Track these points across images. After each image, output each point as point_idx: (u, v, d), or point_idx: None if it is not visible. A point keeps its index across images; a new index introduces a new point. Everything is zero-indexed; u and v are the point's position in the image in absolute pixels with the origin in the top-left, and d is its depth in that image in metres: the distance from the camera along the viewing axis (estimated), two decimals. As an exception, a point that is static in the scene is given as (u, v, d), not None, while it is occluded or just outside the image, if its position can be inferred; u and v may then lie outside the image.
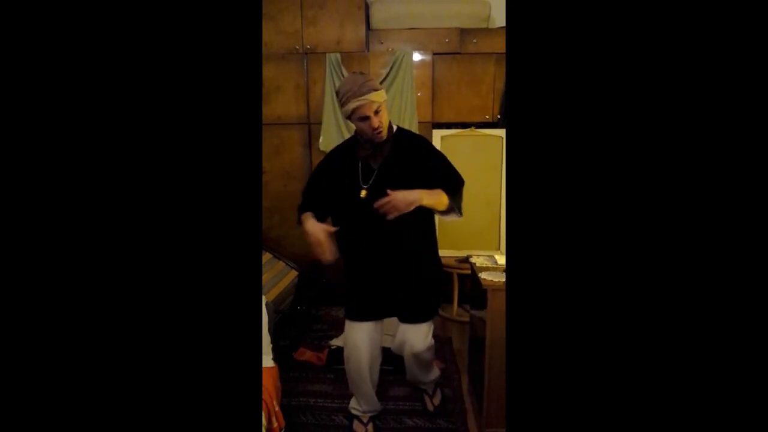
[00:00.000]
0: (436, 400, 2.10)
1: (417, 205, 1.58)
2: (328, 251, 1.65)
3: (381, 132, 1.62)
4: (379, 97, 1.59)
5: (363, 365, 1.83)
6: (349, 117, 1.64)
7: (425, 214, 1.71)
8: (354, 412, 1.99)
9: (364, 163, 1.71)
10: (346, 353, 1.87)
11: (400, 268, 1.73)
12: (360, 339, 1.80)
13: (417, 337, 1.80)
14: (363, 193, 1.67)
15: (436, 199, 1.65)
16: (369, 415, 1.99)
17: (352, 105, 1.57)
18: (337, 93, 1.63)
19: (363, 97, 1.56)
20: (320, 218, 1.73)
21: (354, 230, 1.72)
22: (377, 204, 1.54)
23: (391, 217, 1.54)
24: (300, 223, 1.76)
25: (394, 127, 1.75)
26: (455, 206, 1.72)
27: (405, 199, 1.55)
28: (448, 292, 3.13)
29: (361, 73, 1.63)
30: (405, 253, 1.73)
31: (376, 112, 1.59)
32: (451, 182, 1.72)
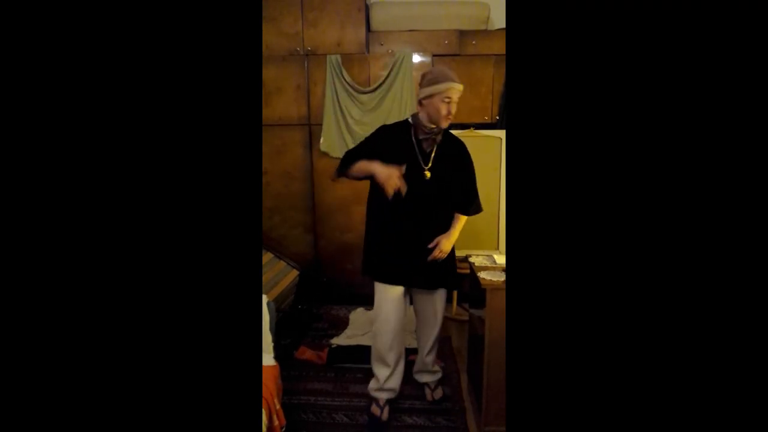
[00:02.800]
0: (437, 394, 2.20)
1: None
2: (401, 183, 1.76)
3: (450, 117, 1.81)
4: (461, 90, 1.80)
5: (395, 328, 1.97)
6: (429, 96, 1.79)
7: (450, 210, 1.97)
8: (372, 393, 2.07)
9: (419, 147, 1.87)
10: (379, 322, 1.99)
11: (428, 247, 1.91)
12: (394, 305, 1.95)
13: (436, 302, 2.01)
14: (427, 174, 1.86)
15: (459, 229, 1.95)
16: (386, 396, 2.05)
17: (444, 86, 1.76)
18: (426, 75, 1.82)
19: (455, 83, 1.77)
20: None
21: (413, 205, 1.85)
22: (432, 257, 1.88)
23: (440, 258, 1.89)
24: (341, 176, 1.91)
25: None
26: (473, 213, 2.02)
27: (450, 242, 1.90)
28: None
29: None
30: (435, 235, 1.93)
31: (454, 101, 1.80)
32: (470, 201, 1.99)
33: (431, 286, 1.98)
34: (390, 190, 1.73)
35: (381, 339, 1.98)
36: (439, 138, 1.88)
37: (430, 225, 1.90)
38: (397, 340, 1.99)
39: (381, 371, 2.03)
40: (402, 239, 1.90)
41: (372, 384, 2.08)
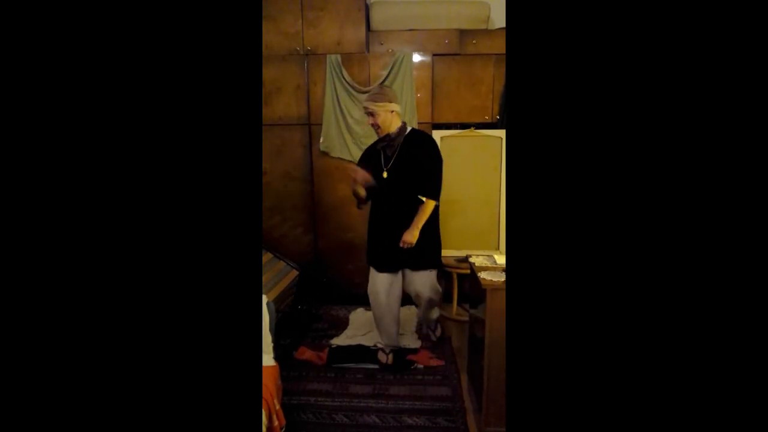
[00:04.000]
0: (438, 332, 2.73)
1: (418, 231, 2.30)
2: (362, 177, 2.29)
3: (378, 129, 2.32)
4: (376, 106, 2.28)
5: (383, 304, 2.47)
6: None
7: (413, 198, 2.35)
8: (378, 345, 2.58)
9: (383, 153, 2.37)
10: (371, 297, 2.51)
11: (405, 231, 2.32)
12: (381, 285, 2.46)
13: (423, 282, 2.43)
14: (385, 174, 2.34)
15: (424, 216, 2.30)
16: (390, 347, 2.54)
17: (364, 104, 2.33)
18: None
19: (368, 101, 2.30)
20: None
21: (378, 200, 2.39)
22: (402, 244, 2.29)
23: (408, 246, 2.31)
24: (361, 202, 2.48)
25: (408, 128, 2.39)
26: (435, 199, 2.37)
27: (412, 235, 2.28)
28: (447, 290, 3.15)
29: (383, 86, 2.42)
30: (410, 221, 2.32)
31: (374, 114, 2.31)
32: (429, 184, 2.31)
33: (395, 269, 2.44)
34: (351, 174, 2.33)
35: (375, 310, 2.52)
36: (399, 141, 2.32)
37: (393, 215, 2.34)
38: (388, 309, 2.50)
39: (379, 332, 2.56)
40: (375, 230, 2.43)
41: (375, 338, 2.65)
